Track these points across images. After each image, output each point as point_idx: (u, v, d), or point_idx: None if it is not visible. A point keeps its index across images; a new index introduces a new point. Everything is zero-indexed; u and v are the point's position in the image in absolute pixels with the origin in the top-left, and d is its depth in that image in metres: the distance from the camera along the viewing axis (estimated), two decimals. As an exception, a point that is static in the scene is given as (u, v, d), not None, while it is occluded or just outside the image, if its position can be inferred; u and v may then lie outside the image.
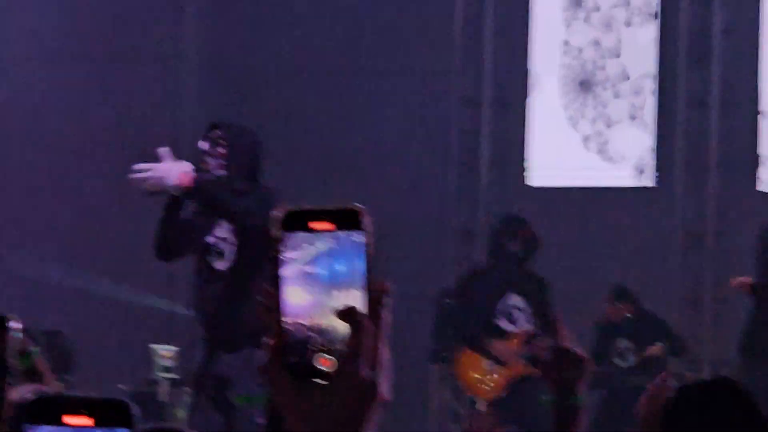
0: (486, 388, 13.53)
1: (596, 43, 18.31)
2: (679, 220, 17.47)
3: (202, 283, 10.01)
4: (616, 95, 18.17)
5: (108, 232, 18.02)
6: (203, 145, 9.98)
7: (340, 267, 2.00)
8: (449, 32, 17.81)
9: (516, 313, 13.35)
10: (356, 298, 1.97)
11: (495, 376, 13.58)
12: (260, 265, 9.51)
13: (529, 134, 17.84)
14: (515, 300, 13.33)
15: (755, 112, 17.38)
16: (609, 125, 18.20)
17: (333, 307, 1.98)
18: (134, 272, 16.86)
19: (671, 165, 17.66)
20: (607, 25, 18.40)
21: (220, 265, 9.74)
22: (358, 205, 2.01)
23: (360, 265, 1.98)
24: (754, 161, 17.61)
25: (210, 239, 9.82)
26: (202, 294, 10.11)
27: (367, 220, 2.00)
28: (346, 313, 1.91)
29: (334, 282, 2.00)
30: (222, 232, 9.88)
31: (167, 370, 15.11)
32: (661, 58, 17.89)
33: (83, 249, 17.68)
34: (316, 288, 2.00)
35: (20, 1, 18.71)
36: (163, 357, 15.42)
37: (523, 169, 17.67)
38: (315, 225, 2.01)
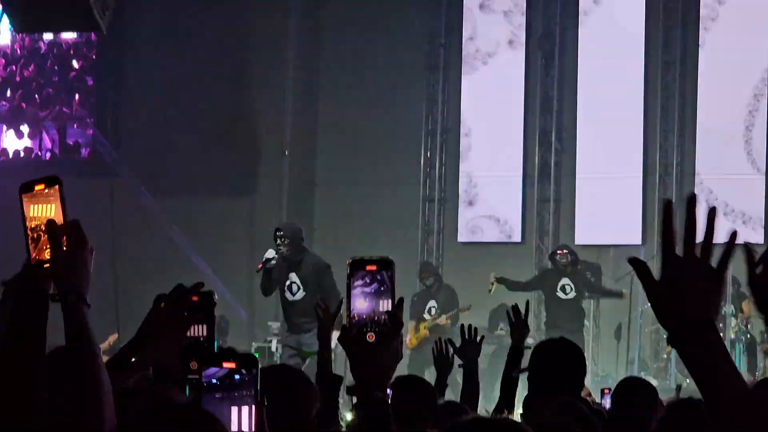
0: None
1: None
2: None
3: (285, 307, 14.05)
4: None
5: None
6: (276, 240, 13.78)
7: (381, 288, 3.42)
8: (417, 154, 19.86)
9: None
10: (388, 305, 3.41)
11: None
12: (314, 296, 12.29)
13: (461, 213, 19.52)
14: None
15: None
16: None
17: (378, 309, 3.41)
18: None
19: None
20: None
21: (293, 297, 13.75)
22: (389, 257, 3.48)
23: (389, 288, 3.43)
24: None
25: (288, 283, 13.78)
26: (285, 312, 14.14)
27: (393, 265, 3.45)
28: (390, 313, 3.40)
29: (377, 296, 3.42)
30: (293, 279, 13.76)
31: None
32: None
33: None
34: (369, 299, 3.42)
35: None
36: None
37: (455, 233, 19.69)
38: (368, 267, 3.41)
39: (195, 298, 3.68)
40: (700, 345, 2.46)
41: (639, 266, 2.53)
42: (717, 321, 2.50)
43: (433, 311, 17.35)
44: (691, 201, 2.54)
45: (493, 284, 17.00)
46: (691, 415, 4.25)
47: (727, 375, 2.45)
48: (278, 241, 13.75)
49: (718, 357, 2.46)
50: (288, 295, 13.72)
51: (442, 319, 17.09)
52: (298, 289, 13.60)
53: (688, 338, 2.47)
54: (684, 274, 2.50)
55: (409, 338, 17.11)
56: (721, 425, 2.46)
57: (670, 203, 2.57)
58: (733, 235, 2.52)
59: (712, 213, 2.50)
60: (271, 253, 13.62)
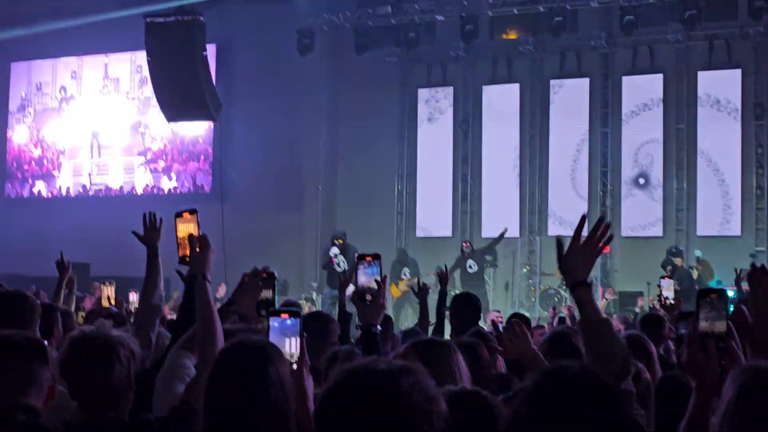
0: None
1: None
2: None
3: (332, 273, 14.19)
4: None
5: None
6: (333, 241, 14.57)
7: (373, 270, 3.34)
8: (392, 188, 19.32)
9: None
10: (377, 280, 3.35)
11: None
12: (353, 269, 13.62)
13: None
14: None
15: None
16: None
17: (371, 282, 3.32)
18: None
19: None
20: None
21: (339, 269, 14.12)
22: (378, 253, 3.39)
23: (378, 270, 3.34)
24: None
25: (335, 261, 14.42)
26: (332, 276, 14.23)
27: (380, 257, 3.36)
28: (378, 284, 3.34)
29: (371, 275, 3.33)
30: (340, 260, 14.32)
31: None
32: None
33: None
34: (367, 276, 3.32)
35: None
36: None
37: (414, 232, 19.21)
38: (367, 258, 3.34)
39: (264, 275, 3.66)
40: (579, 293, 2.61)
41: (558, 245, 2.67)
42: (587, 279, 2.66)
43: (408, 273, 17.01)
44: (582, 220, 2.70)
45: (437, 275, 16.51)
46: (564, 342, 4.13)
47: (589, 309, 2.61)
48: (335, 242, 14.33)
49: (588, 300, 2.62)
50: (336, 267, 14.04)
51: (415, 280, 16.68)
52: (344, 264, 13.91)
53: (574, 289, 2.62)
54: (572, 255, 2.64)
55: (392, 291, 16.84)
56: (584, 338, 2.60)
57: (584, 218, 2.70)
58: (582, 218, 2.69)
59: (601, 219, 2.68)
60: (334, 250, 14.20)
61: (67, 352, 2.83)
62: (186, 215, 3.24)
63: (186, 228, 3.21)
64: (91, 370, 2.76)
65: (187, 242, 3.17)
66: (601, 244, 2.62)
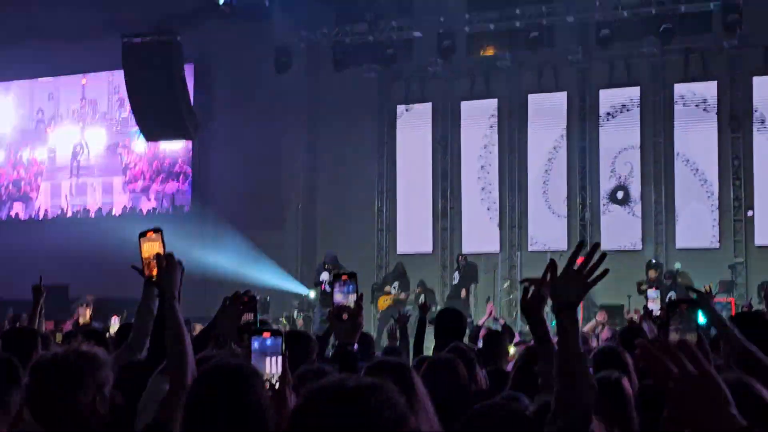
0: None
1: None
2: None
3: (326, 295, 14.59)
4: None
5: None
6: (324, 265, 15.42)
7: (349, 288, 3.36)
8: (372, 205, 19.26)
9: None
10: (354, 298, 3.35)
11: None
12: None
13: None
14: None
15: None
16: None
17: (348, 301, 3.34)
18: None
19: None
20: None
21: (330, 289, 13.38)
22: (354, 271, 3.46)
23: (355, 288, 3.35)
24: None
25: (323, 286, 15.27)
26: (325, 297, 14.67)
27: (356, 275, 3.39)
28: (355, 303, 3.36)
29: (348, 293, 3.34)
30: (326, 279, 15.07)
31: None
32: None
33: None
34: (343, 295, 3.34)
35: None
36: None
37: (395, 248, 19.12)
38: (344, 277, 3.36)
39: (246, 299, 3.65)
40: (566, 316, 2.49)
41: (552, 266, 2.58)
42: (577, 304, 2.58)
43: (397, 287, 17.06)
44: (579, 245, 2.65)
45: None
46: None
47: (570, 336, 2.48)
48: (326, 266, 14.87)
49: (572, 326, 2.50)
50: (327, 288, 14.29)
51: (402, 296, 16.84)
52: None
53: (561, 311, 2.51)
54: (566, 278, 2.53)
55: (379, 304, 17.09)
56: (557, 368, 2.49)
57: (581, 244, 2.63)
58: (595, 246, 2.56)
59: (594, 247, 2.55)
60: (324, 276, 14.71)
61: (30, 376, 2.72)
62: (150, 234, 3.18)
63: (151, 247, 3.14)
64: (55, 396, 2.64)
65: (153, 262, 3.12)
66: (592, 278, 2.52)
